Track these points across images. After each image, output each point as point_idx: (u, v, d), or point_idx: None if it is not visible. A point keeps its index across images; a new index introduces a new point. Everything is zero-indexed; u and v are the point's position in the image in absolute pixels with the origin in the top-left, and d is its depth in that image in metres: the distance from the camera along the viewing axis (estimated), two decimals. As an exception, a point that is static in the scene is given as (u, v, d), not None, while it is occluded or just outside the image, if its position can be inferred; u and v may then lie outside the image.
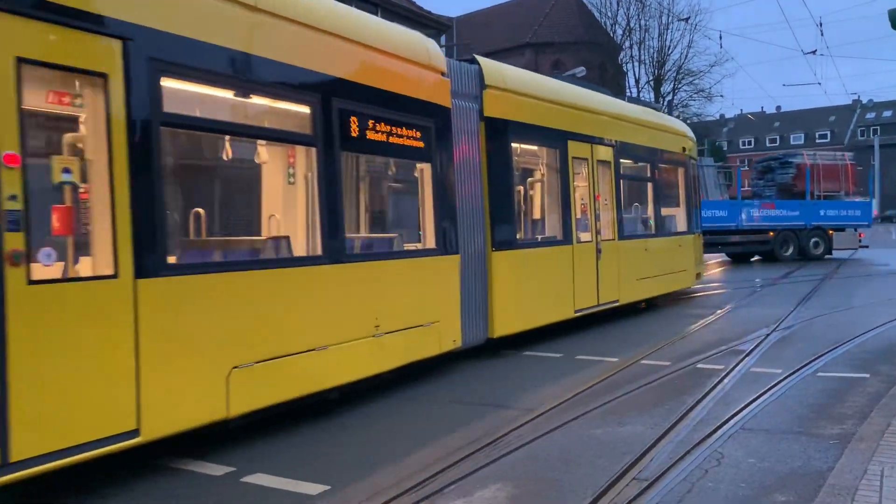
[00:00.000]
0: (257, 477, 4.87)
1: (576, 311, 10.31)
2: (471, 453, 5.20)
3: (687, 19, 44.91)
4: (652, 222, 13.34)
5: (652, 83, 51.13)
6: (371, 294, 6.79)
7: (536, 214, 10.94)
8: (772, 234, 25.10)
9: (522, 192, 10.48)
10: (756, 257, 25.85)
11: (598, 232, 11.06)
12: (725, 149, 70.03)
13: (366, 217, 8.72)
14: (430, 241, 7.94)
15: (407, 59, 7.56)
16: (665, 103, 49.36)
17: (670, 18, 48.50)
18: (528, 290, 9.39)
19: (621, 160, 12.16)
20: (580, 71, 32.04)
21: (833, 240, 26.23)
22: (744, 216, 24.70)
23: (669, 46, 51.12)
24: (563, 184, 10.41)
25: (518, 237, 9.68)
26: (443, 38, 32.37)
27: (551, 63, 51.26)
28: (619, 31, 52.27)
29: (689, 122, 53.27)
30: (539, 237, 10.45)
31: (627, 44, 51.83)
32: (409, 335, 7.25)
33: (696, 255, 15.14)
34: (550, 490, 4.58)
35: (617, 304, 11.49)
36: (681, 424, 5.80)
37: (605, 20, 53.11)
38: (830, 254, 26.40)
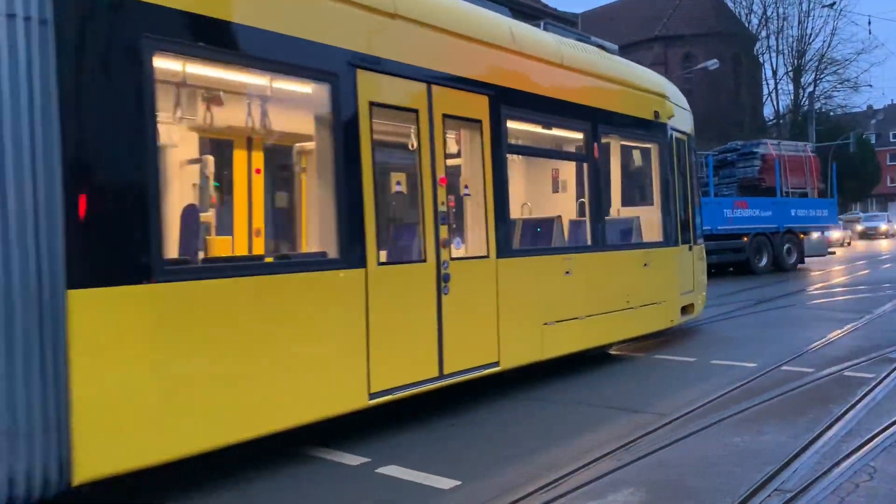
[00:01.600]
0: (391, 469, 5.01)
1: (372, 395, 5.51)
2: (601, 456, 5.13)
3: (831, 5, 42.26)
4: (587, 227, 8.31)
5: (791, 74, 48.61)
6: None
7: (256, 209, 6.83)
8: (745, 238, 21.14)
9: (207, 164, 6.00)
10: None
11: (443, 244, 6.18)
12: (874, 142, 65.31)
13: None
14: None
15: None
16: (805, 95, 46.72)
17: (811, 5, 45.89)
18: (201, 373, 4.52)
19: (512, 122, 7.24)
20: (713, 63, 30.91)
21: (804, 245, 22.85)
22: (720, 218, 20.57)
23: (811, 35, 48.50)
24: (344, 153, 5.45)
25: (173, 256, 4.94)
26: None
27: (682, 56, 49.64)
28: (755, 21, 50.08)
29: (832, 114, 50.15)
30: (263, 256, 6.23)
31: (764, 33, 49.55)
32: None
33: (687, 280, 10.09)
34: (686, 498, 4.45)
35: (497, 370, 6.69)
36: (826, 435, 5.48)
37: (740, 10, 51.00)
38: (803, 262, 23.07)
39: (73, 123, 4.03)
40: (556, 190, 9.68)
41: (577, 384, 7.60)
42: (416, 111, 6.15)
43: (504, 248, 6.85)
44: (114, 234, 4.19)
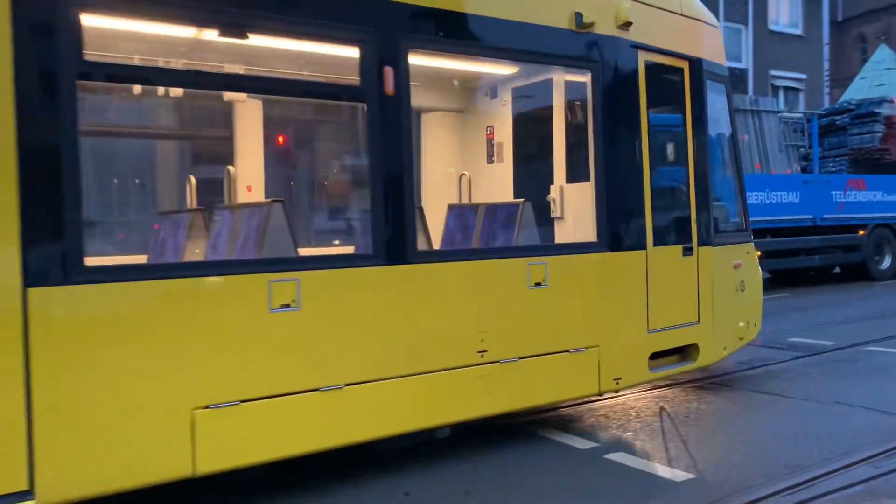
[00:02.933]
0: (619, 456, 4.96)
1: None
2: (856, 462, 4.68)
3: None
4: (366, 221, 4.69)
5: None
6: None
7: None
8: (861, 232, 15.71)
9: None
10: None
11: None
12: None
13: None
14: None
15: None
16: None
17: None
18: None
19: (92, 15, 3.73)
20: None
21: None
22: (826, 203, 15.26)
23: None
24: None
25: None
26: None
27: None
28: None
29: None
30: None
31: None
32: None
33: (682, 306, 6.04)
34: (961, 518, 3.94)
35: None
36: None
37: None
38: None
39: None
40: (490, 159, 6.56)
41: (830, 380, 6.99)
42: None
43: (55, 268, 3.48)
44: None
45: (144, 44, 4.81)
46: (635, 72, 5.74)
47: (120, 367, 3.66)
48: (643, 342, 5.71)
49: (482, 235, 5.78)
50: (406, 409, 4.55)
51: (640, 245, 5.69)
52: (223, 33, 4.37)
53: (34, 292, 3.41)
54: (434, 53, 5.28)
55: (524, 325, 5.07)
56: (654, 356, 5.83)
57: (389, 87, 4.51)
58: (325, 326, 4.26)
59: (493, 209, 5.81)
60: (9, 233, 3.36)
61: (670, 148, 6.34)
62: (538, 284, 5.13)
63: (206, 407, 3.88)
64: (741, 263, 6.76)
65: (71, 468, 3.53)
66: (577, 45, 5.43)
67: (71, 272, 3.51)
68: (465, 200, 6.50)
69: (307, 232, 5.12)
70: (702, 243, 6.18)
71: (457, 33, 4.91)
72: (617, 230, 5.56)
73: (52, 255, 3.48)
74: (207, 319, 3.91)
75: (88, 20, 3.64)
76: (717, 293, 6.31)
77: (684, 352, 6.14)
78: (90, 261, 3.65)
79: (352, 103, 5.00)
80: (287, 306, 4.12)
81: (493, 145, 6.53)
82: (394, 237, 4.53)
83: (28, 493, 3.44)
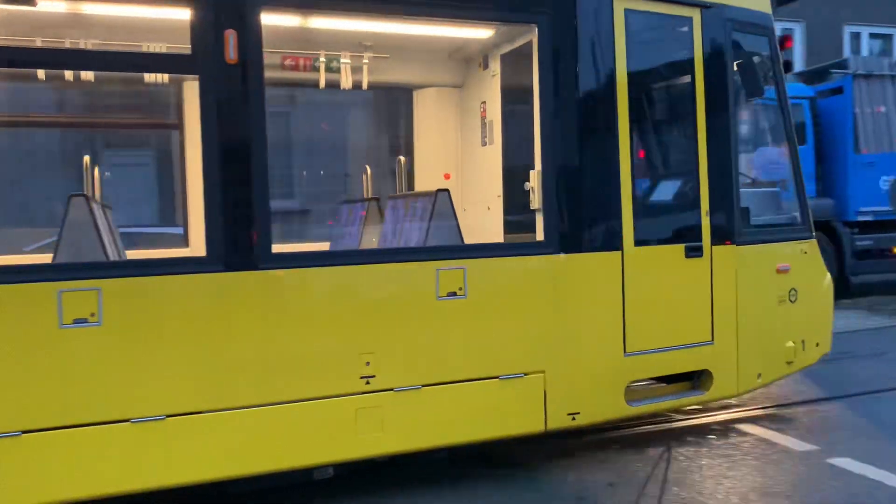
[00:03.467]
0: (844, 461, 4.63)
1: None
2: None
3: None
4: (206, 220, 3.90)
5: None
6: None
7: None
8: None
9: None
10: None
11: None
12: None
13: None
14: None
15: None
16: None
17: None
18: None
19: None
20: None
21: None
22: None
23: None
24: None
25: None
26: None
27: None
28: None
29: None
30: None
31: None
32: None
33: (691, 319, 4.91)
34: None
35: None
36: None
37: None
38: None
39: None
40: (484, 140, 5.70)
41: None
42: None
43: None
44: None
45: None
46: (608, 24, 4.59)
47: None
48: (616, 368, 4.63)
49: (403, 233, 4.88)
50: (256, 446, 3.79)
51: (612, 244, 4.61)
52: None
53: None
54: (301, 10, 4.33)
55: (430, 345, 4.15)
56: (665, 381, 5.02)
57: (231, 53, 3.72)
58: (135, 346, 3.58)
59: (414, 202, 4.81)
60: None
61: (671, 122, 5.16)
62: (452, 294, 4.19)
63: None
64: (790, 266, 5.37)
65: None
66: None
67: None
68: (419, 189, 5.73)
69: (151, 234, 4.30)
70: (718, 241, 4.96)
71: None
72: (572, 226, 4.50)
73: None
74: None
75: None
76: (745, 304, 5.07)
77: (695, 378, 5.05)
78: None
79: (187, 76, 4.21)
80: (83, 321, 3.48)
81: (485, 125, 5.63)
82: (236, 238, 3.73)
83: None
